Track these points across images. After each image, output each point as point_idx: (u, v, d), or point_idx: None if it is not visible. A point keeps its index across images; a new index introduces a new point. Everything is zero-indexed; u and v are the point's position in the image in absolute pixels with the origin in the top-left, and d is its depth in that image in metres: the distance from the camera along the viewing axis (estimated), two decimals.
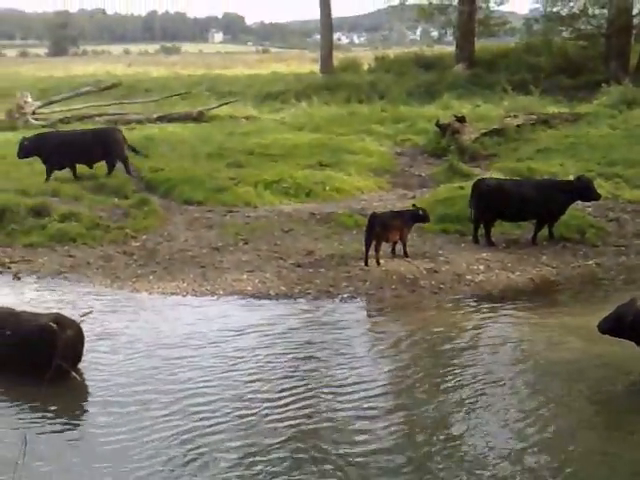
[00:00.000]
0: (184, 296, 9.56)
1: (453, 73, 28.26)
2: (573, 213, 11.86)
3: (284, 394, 6.86)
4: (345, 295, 9.58)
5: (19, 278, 3.33)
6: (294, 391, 6.93)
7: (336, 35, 48.39)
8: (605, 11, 27.97)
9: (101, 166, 14.76)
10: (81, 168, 14.72)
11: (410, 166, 16.76)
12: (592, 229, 11.83)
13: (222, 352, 7.77)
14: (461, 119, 17.69)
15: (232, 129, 19.52)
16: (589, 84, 24.79)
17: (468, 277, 10.11)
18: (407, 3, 34.34)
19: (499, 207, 11.34)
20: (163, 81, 32.20)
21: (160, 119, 21.59)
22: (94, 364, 7.43)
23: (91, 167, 14.68)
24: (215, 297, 9.54)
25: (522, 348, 7.97)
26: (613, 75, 24.43)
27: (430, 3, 32.35)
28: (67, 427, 6.41)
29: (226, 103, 23.56)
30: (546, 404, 6.66)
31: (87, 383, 7.13)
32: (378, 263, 10.36)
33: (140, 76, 34.53)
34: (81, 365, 7.32)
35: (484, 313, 9.04)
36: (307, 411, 6.56)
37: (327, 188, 14.25)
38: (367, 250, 10.40)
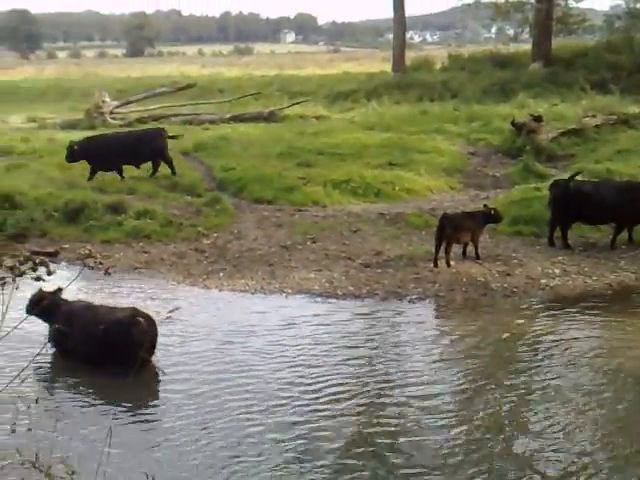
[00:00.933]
0: (253, 293, 9.64)
1: (529, 71, 27.57)
2: None
3: (351, 393, 6.81)
4: (413, 296, 9.44)
5: (109, 274, 3.47)
6: (360, 389, 6.87)
7: (409, 34, 47.95)
8: None
9: (172, 167, 15.04)
10: (157, 169, 15.06)
11: (483, 166, 16.43)
12: None
13: (284, 345, 7.79)
14: (537, 118, 17.21)
15: (302, 129, 19.61)
16: None
17: (543, 281, 9.80)
18: (482, 1, 33.71)
19: (576, 209, 10.96)
20: (236, 81, 32.69)
21: (233, 119, 21.93)
22: (174, 356, 7.58)
23: (138, 167, 14.81)
24: (283, 295, 9.57)
25: (599, 355, 7.64)
26: None
27: (506, 1, 31.67)
28: (151, 417, 6.53)
29: (297, 103, 23.70)
30: (627, 411, 6.37)
31: (169, 374, 7.23)
32: (448, 265, 10.17)
33: (214, 77, 35.18)
34: (162, 357, 7.49)
35: (559, 318, 8.73)
36: (365, 409, 6.49)
37: (397, 188, 14.12)
38: (437, 251, 10.23)
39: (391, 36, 34.25)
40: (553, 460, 5.68)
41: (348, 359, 7.62)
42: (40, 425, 5.41)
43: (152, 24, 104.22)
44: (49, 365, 7.56)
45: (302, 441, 6.00)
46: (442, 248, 10.20)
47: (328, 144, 17.18)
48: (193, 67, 45.56)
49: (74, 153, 14.26)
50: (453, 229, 10.21)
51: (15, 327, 3.73)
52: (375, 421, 6.35)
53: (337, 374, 7.25)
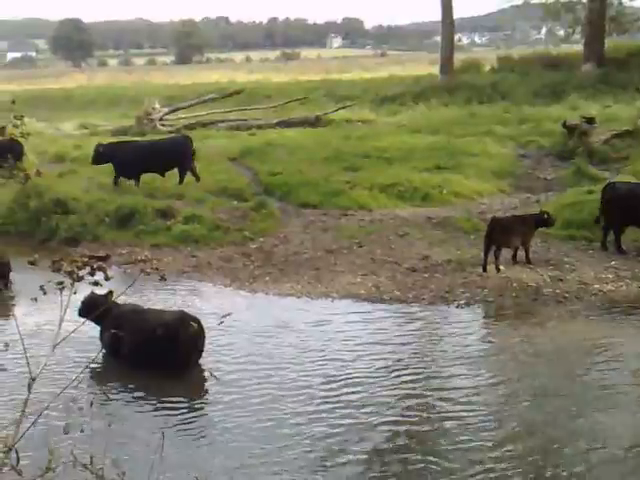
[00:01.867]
0: (299, 297, 9.63)
1: (581, 73, 26.97)
2: None
3: (399, 398, 6.73)
4: (461, 302, 9.29)
5: (165, 279, 3.51)
6: (407, 392, 6.78)
7: (457, 36, 47.43)
8: None
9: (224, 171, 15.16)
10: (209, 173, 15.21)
11: (534, 169, 16.10)
12: None
13: (332, 348, 7.75)
14: (590, 120, 16.79)
15: (348, 133, 19.57)
16: None
17: (596, 286, 9.53)
18: (532, 1, 33.18)
19: (630, 213, 10.63)
20: (282, 87, 32.85)
21: (279, 124, 22.01)
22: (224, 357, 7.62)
23: (163, 175, 14.73)
24: (329, 299, 9.53)
25: None
26: None
27: (557, 1, 31.09)
28: (202, 419, 6.56)
29: (343, 107, 23.68)
30: None
31: (219, 377, 7.26)
32: (498, 269, 9.98)
33: (261, 82, 35.41)
34: (213, 361, 7.53)
35: (612, 324, 8.47)
36: (411, 413, 6.40)
37: (445, 191, 13.95)
38: (486, 256, 10.05)
39: (439, 39, 33.89)
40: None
41: (394, 364, 7.53)
42: (94, 428, 5.48)
43: (200, 31, 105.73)
44: (103, 368, 7.66)
45: (349, 437, 5.95)
46: (491, 252, 10.02)
47: (375, 148, 17.09)
48: (240, 73, 45.99)
49: (99, 155, 14.42)
50: (503, 233, 10.03)
51: (73, 331, 3.78)
52: (420, 428, 6.25)
53: (383, 378, 7.17)
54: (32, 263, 3.75)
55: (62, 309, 3.35)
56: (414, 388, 7.01)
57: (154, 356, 7.29)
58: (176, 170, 14.59)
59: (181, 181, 14.57)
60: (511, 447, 5.89)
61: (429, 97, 25.66)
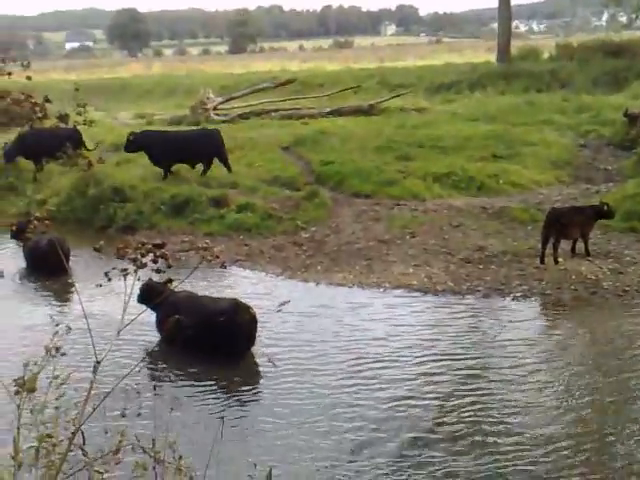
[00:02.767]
0: (350, 287, 9.58)
1: None
2: None
3: (449, 393, 6.63)
4: (518, 294, 9.09)
5: (225, 267, 3.59)
6: (458, 389, 6.68)
7: (514, 23, 46.39)
8: None
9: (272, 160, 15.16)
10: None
11: (594, 159, 15.65)
12: None
13: (385, 344, 7.68)
14: None
15: (402, 121, 19.34)
16: None
17: None
18: None
19: None
20: (336, 75, 32.67)
21: (332, 113, 21.90)
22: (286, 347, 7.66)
23: (193, 167, 14.71)
24: (381, 290, 9.45)
25: None
26: None
27: None
28: (258, 405, 6.60)
29: (397, 95, 23.40)
30: None
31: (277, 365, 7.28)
32: (556, 261, 9.73)
33: (314, 71, 35.30)
34: (270, 348, 7.58)
35: None
36: (465, 407, 6.29)
37: (501, 181, 13.68)
38: (544, 247, 9.81)
39: (495, 26, 33.24)
40: None
41: (447, 356, 7.42)
42: (156, 411, 5.56)
43: (254, 20, 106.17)
44: (164, 353, 7.73)
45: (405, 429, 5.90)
46: (550, 244, 9.78)
47: (429, 136, 16.86)
48: (293, 62, 45.92)
49: (130, 143, 14.52)
50: (561, 224, 9.77)
51: (137, 317, 3.84)
52: (477, 419, 6.15)
53: (436, 373, 7.08)
54: (97, 250, 3.85)
55: (126, 295, 3.40)
56: (472, 383, 6.89)
57: (208, 343, 7.37)
58: (221, 161, 14.57)
59: (205, 172, 14.53)
60: (565, 443, 5.74)
61: (485, 85, 25.18)
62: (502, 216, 11.89)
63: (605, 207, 10.24)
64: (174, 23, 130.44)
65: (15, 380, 3.24)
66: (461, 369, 7.15)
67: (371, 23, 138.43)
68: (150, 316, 7.64)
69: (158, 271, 3.56)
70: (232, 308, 7.48)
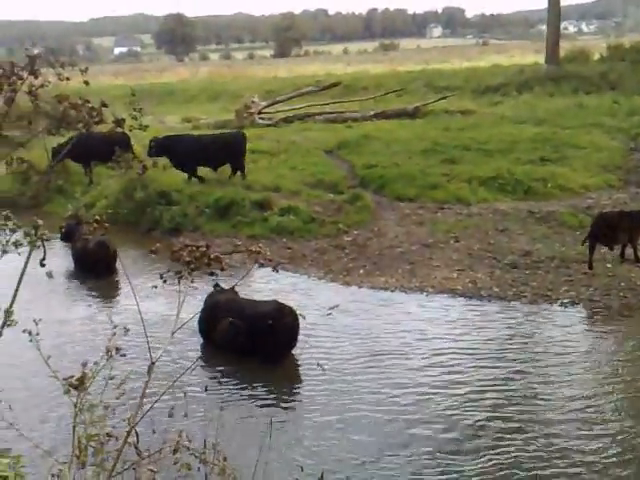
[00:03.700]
0: (392, 291, 9.50)
1: None
2: None
3: (496, 399, 6.51)
4: (565, 300, 8.89)
5: (277, 271, 3.59)
6: (504, 397, 6.55)
7: (563, 24, 45.53)
8: None
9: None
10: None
11: None
12: None
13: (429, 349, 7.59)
14: None
15: (447, 124, 19.15)
16: None
17: None
18: None
19: None
20: (380, 78, 32.56)
21: (376, 116, 21.82)
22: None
23: (215, 170, 14.76)
24: (424, 294, 9.35)
25: None
26: None
27: None
28: (306, 409, 6.57)
29: (442, 98, 23.18)
30: None
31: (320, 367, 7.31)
32: (590, 267, 9.48)
33: (358, 74, 35.25)
34: (318, 353, 7.57)
35: None
36: (511, 415, 6.16)
37: (549, 185, 13.40)
38: (592, 253, 9.58)
39: (543, 27, 32.67)
40: None
41: (493, 363, 7.30)
42: (207, 413, 5.57)
43: (299, 24, 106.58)
44: (209, 354, 7.77)
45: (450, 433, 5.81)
46: (598, 249, 9.55)
47: (475, 139, 16.65)
48: (338, 66, 45.97)
49: (152, 148, 14.54)
50: (609, 229, 9.53)
51: (190, 319, 3.87)
52: (521, 425, 6.02)
53: (481, 380, 6.95)
54: (153, 252, 3.90)
55: (181, 297, 3.42)
56: (516, 389, 6.76)
57: (252, 345, 7.42)
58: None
59: (233, 174, 14.64)
60: (614, 459, 5.56)
61: (533, 87, 24.77)
62: (550, 220, 11.66)
63: None
64: (221, 28, 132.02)
65: (69, 378, 3.25)
66: (513, 379, 7.01)
67: (417, 26, 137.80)
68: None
69: (212, 274, 3.59)
70: (276, 311, 7.51)
